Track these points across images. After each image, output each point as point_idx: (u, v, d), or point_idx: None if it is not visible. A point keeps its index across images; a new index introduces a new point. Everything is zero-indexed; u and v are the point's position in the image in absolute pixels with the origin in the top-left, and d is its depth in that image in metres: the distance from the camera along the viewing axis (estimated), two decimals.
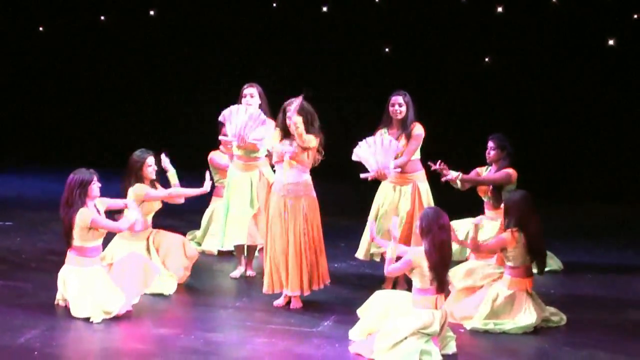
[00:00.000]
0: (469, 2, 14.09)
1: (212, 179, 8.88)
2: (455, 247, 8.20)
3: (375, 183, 8.54)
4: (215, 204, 9.77)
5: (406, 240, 8.12)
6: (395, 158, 8.23)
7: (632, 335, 7.50)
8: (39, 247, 9.47)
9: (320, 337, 7.16)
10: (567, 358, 7.01)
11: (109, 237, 7.88)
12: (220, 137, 8.68)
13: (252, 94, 8.67)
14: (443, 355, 6.79)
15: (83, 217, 7.45)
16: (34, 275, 8.53)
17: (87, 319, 7.29)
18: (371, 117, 8.84)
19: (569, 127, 13.94)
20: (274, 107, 8.62)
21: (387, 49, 14.58)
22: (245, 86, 8.75)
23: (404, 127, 8.37)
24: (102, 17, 15.63)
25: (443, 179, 8.65)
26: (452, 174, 8.62)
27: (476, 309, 7.57)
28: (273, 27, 15.02)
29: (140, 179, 8.29)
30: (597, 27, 13.65)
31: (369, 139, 8.16)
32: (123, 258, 7.88)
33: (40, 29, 15.32)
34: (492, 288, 7.65)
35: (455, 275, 7.79)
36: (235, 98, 8.71)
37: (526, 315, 7.49)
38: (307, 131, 7.66)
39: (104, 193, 7.72)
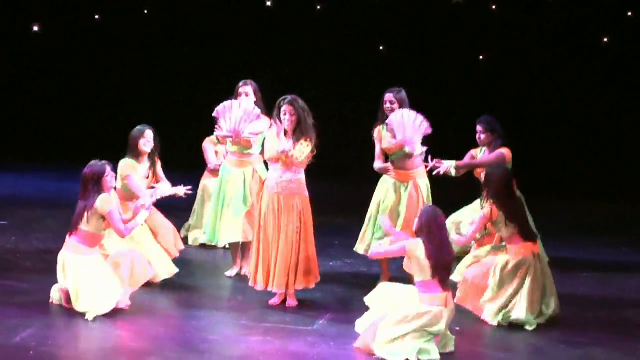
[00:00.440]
0: (466, 1, 14.08)
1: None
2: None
3: (374, 180, 8.55)
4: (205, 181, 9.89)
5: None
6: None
7: (629, 334, 7.51)
8: (35, 246, 9.46)
9: (315, 336, 7.16)
10: (564, 356, 7.02)
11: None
12: (216, 133, 8.68)
13: (247, 93, 8.68)
14: (441, 354, 6.79)
15: (104, 203, 7.45)
16: (29, 274, 8.52)
17: (83, 315, 7.29)
18: (370, 116, 8.86)
19: (568, 126, 13.94)
20: (272, 107, 8.65)
21: (381, 48, 14.59)
22: (240, 84, 8.76)
23: None
24: (102, 17, 15.63)
25: (438, 172, 8.59)
26: (446, 164, 8.60)
27: (485, 279, 7.68)
28: (272, 27, 15.03)
29: (135, 152, 8.27)
30: (594, 25, 13.65)
31: (407, 111, 8.25)
32: (122, 252, 7.86)
33: (35, 28, 15.28)
34: (499, 257, 7.74)
35: (464, 264, 7.96)
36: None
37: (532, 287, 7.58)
38: (302, 127, 7.69)
39: None
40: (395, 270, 8.68)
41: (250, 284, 7.95)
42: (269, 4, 14.84)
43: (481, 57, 14.19)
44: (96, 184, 7.47)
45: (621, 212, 12.75)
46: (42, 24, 15.72)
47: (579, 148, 13.95)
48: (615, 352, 7.08)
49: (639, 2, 13.55)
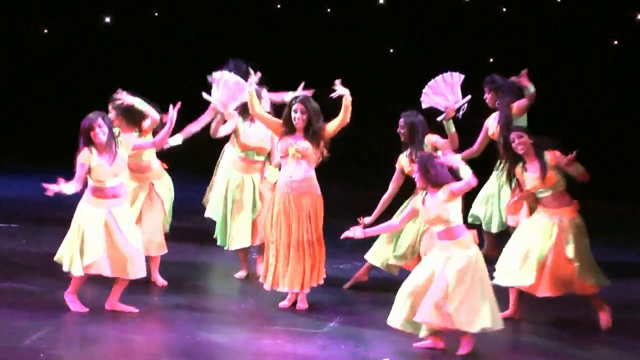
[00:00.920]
0: (471, 2, 14.10)
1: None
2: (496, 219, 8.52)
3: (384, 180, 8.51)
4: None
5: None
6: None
7: (636, 334, 7.54)
8: (44, 248, 9.46)
9: (325, 339, 7.18)
10: (572, 357, 7.05)
11: None
12: (204, 95, 8.54)
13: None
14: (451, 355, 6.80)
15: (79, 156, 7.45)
16: (39, 276, 8.51)
17: (94, 318, 7.28)
18: (372, 116, 8.87)
19: (568, 126, 13.96)
20: (274, 107, 8.66)
21: (390, 49, 14.61)
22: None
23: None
24: (103, 17, 15.61)
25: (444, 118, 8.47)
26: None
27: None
28: (273, 27, 15.03)
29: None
30: (599, 27, 13.68)
31: (431, 83, 8.26)
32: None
33: (45, 31, 15.29)
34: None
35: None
36: None
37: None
38: (313, 127, 7.72)
39: None
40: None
41: (261, 280, 7.96)
42: (278, 6, 14.87)
43: (491, 60, 14.19)
44: (86, 139, 7.48)
45: (625, 212, 12.76)
46: (45, 25, 15.72)
47: (579, 148, 13.95)
48: (623, 353, 7.12)
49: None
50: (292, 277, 7.77)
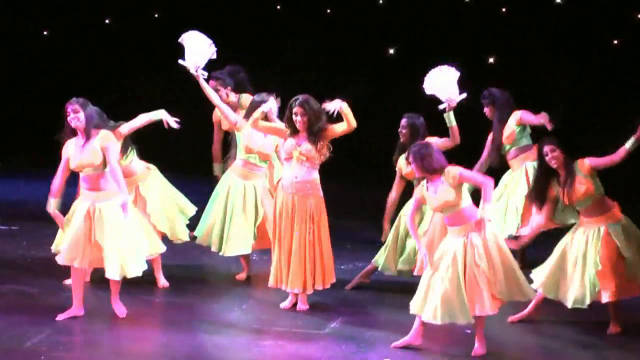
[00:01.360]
0: (471, 2, 14.10)
1: None
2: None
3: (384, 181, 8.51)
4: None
5: None
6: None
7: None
8: (46, 250, 9.45)
9: (327, 340, 7.19)
10: (576, 357, 7.06)
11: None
12: (180, 61, 8.56)
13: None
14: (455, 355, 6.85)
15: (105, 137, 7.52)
16: (41, 279, 8.52)
17: (94, 320, 7.27)
18: (373, 116, 8.85)
19: (568, 126, 13.94)
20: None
21: (390, 50, 14.60)
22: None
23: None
24: (103, 18, 15.62)
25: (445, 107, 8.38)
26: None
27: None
28: (274, 28, 15.02)
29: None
30: (599, 27, 13.67)
31: (433, 72, 8.24)
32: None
33: (45, 33, 15.28)
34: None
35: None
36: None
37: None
38: (314, 127, 7.71)
39: None
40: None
41: (270, 284, 7.95)
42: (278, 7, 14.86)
43: (491, 60, 14.18)
44: (68, 126, 7.55)
45: (626, 212, 12.72)
46: (45, 26, 15.71)
47: (578, 148, 13.95)
48: (627, 354, 7.12)
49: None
50: (293, 277, 7.78)
